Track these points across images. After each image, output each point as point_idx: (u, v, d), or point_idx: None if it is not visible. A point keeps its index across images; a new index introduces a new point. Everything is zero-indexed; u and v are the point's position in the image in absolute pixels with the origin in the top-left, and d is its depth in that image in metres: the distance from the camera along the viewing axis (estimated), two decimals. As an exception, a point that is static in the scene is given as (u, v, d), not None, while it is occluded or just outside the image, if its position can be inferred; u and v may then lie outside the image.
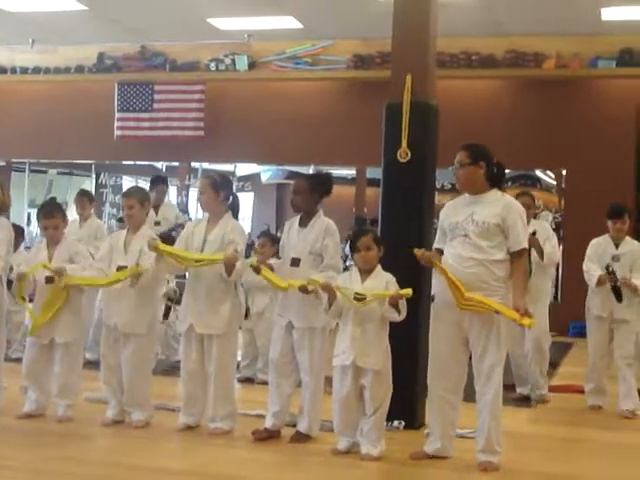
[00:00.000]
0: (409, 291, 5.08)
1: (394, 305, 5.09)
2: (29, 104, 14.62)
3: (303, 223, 5.67)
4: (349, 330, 5.19)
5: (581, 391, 7.38)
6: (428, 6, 6.14)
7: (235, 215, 5.94)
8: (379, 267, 5.30)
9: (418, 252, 5.07)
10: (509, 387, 6.93)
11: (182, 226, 8.30)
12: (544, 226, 7.66)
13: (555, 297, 11.59)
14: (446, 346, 5.10)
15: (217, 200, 5.82)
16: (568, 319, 11.41)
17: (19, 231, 7.57)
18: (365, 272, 5.27)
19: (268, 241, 7.54)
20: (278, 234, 8.53)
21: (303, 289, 5.38)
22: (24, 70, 14.63)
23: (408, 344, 5.68)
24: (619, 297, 6.86)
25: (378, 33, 9.41)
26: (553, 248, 7.36)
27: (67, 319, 5.93)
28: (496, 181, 5.20)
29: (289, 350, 5.61)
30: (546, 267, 7.36)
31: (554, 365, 8.80)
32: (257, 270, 5.60)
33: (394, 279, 5.23)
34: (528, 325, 5.06)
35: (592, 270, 6.99)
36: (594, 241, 7.17)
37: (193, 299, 5.74)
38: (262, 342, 7.50)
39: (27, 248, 8.19)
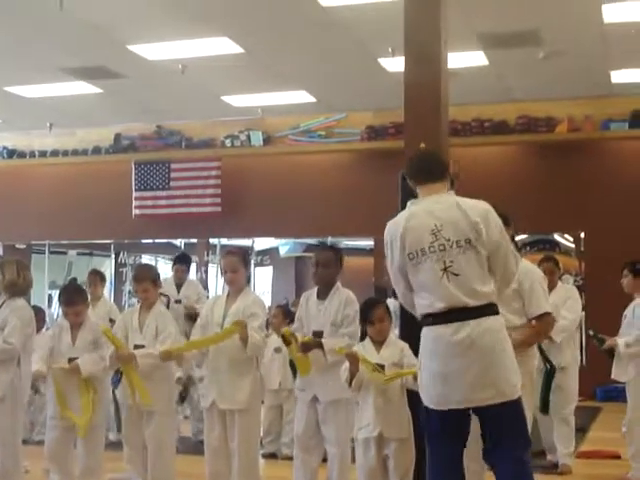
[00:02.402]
0: None
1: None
2: (48, 187, 14.80)
3: (321, 296, 5.66)
4: (371, 401, 5.14)
5: (612, 456, 7.25)
6: (439, 75, 6.20)
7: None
8: (391, 335, 5.31)
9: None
10: (539, 454, 6.81)
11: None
12: (572, 290, 7.59)
13: (580, 361, 11.46)
14: None
15: (245, 276, 5.86)
16: (594, 383, 11.25)
17: (40, 314, 7.57)
18: (378, 342, 5.25)
19: (280, 313, 7.66)
20: (292, 308, 8.50)
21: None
22: (42, 154, 14.86)
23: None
24: (611, 357, 6.78)
25: (390, 104, 9.52)
26: (575, 314, 7.27)
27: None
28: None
29: (314, 424, 5.56)
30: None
31: (584, 430, 8.67)
32: (287, 341, 5.58)
33: (407, 346, 5.21)
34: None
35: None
36: None
37: (215, 374, 5.70)
38: (291, 417, 7.43)
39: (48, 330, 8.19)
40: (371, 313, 5.27)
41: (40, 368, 5.86)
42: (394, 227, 4.29)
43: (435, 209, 4.20)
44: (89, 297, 8.91)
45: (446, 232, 4.12)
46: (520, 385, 4.13)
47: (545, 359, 6.18)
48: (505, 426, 4.07)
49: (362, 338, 5.39)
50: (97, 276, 9.38)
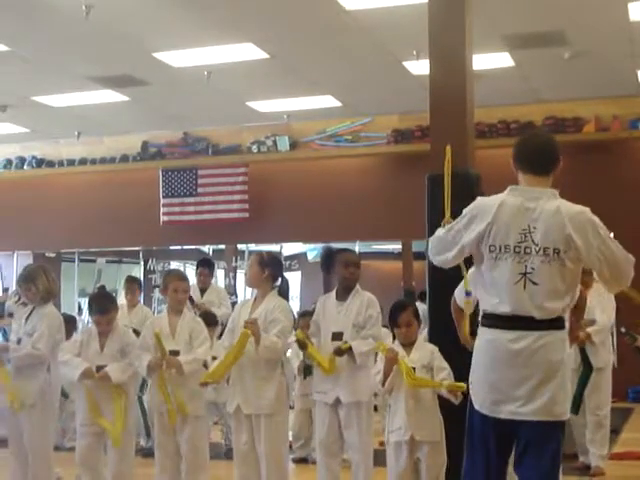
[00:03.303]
0: (463, 386, 4.78)
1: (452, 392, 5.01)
2: (76, 195, 14.91)
3: (341, 297, 5.68)
4: (403, 404, 5.12)
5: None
6: (464, 78, 6.19)
7: (285, 296, 5.88)
8: (421, 338, 5.31)
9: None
10: (571, 456, 6.76)
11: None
12: (606, 295, 7.55)
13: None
14: None
15: (262, 277, 5.79)
16: (627, 384, 11.16)
17: (70, 321, 7.63)
18: (408, 345, 5.24)
19: (307, 324, 7.58)
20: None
21: (337, 351, 5.41)
22: (71, 162, 14.97)
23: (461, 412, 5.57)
24: None
25: (416, 107, 9.51)
26: (607, 315, 7.22)
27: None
28: None
29: (336, 428, 5.56)
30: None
31: (616, 432, 8.60)
32: (302, 345, 5.59)
33: (437, 348, 5.21)
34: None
35: None
36: None
37: (239, 379, 5.71)
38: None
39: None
40: (399, 316, 5.27)
41: (87, 367, 5.80)
42: (483, 207, 3.99)
43: (532, 207, 3.87)
44: (126, 304, 9.05)
45: (536, 236, 3.83)
46: (566, 409, 3.94)
47: (584, 359, 6.11)
48: (540, 444, 3.89)
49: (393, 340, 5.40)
50: (135, 283, 9.46)
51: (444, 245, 4.09)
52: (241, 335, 5.50)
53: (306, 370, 7.21)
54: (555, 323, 3.86)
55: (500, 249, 3.86)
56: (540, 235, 3.83)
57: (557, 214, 3.86)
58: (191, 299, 8.47)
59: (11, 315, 8.60)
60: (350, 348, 5.47)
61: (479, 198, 4.11)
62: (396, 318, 5.27)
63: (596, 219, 3.95)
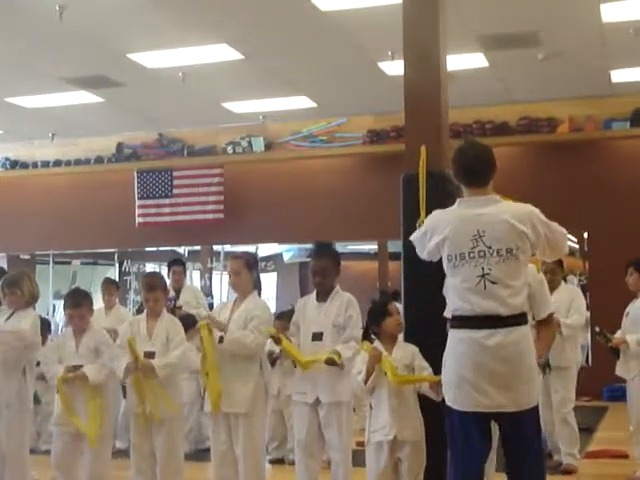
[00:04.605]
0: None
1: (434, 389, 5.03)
2: (51, 197, 14.83)
3: (321, 298, 5.69)
4: (385, 403, 5.10)
5: (619, 455, 7.23)
6: (438, 78, 6.20)
7: (259, 293, 5.92)
8: (400, 338, 5.31)
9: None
10: (546, 455, 6.79)
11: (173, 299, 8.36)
12: (575, 291, 7.61)
13: (586, 361, 11.45)
14: None
15: (250, 280, 5.83)
16: (601, 383, 11.23)
17: (45, 323, 7.59)
18: (389, 345, 5.24)
19: (282, 326, 7.51)
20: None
21: (330, 361, 5.36)
22: (45, 164, 14.89)
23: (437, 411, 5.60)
24: (616, 355, 6.81)
25: (391, 107, 9.54)
26: (580, 315, 7.29)
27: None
28: None
29: (316, 428, 5.56)
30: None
31: (591, 430, 8.65)
32: (277, 340, 5.59)
33: (417, 349, 5.22)
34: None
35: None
36: None
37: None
38: (292, 422, 7.42)
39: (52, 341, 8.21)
40: (386, 308, 5.31)
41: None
42: (436, 222, 4.37)
43: (480, 214, 4.22)
44: (104, 305, 9.01)
45: (488, 239, 4.15)
46: (537, 395, 4.28)
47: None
48: (523, 434, 4.19)
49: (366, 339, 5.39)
50: (112, 285, 9.44)
51: (419, 246, 4.51)
52: (200, 328, 5.57)
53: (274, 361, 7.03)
54: (520, 319, 4.18)
55: (456, 257, 4.21)
56: (492, 238, 4.15)
57: (504, 216, 4.20)
58: (175, 302, 8.44)
59: None
60: (339, 359, 5.42)
61: (435, 212, 4.49)
62: (385, 309, 5.28)
63: (535, 209, 4.32)
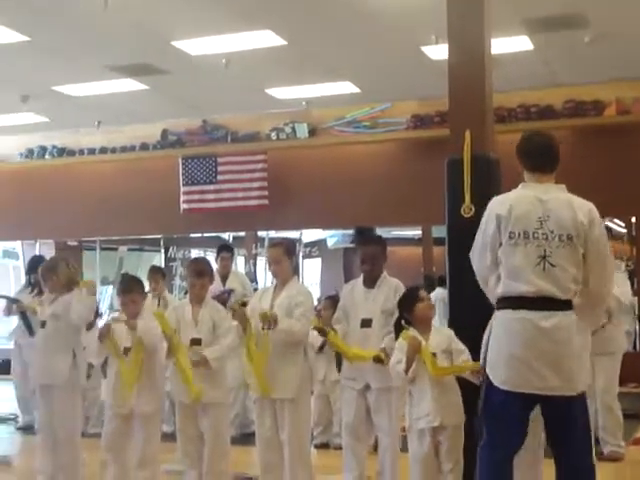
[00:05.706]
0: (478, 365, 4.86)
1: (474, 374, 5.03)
2: (97, 184, 14.97)
3: (369, 284, 5.69)
4: (428, 390, 5.11)
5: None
6: (482, 62, 6.17)
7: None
8: (434, 323, 5.31)
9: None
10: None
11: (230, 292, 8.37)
12: (621, 278, 7.54)
13: (634, 347, 11.34)
14: None
15: (290, 266, 5.86)
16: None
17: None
18: (424, 331, 5.24)
19: (330, 305, 7.51)
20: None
21: (378, 359, 5.38)
22: (91, 151, 15.02)
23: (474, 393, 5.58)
24: None
25: (435, 92, 9.47)
26: (623, 299, 7.21)
27: (147, 390, 5.93)
28: None
29: (363, 412, 5.58)
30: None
31: (637, 417, 8.57)
32: (322, 332, 5.60)
33: (452, 332, 5.26)
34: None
35: None
36: None
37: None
38: (338, 407, 7.45)
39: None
40: (417, 293, 5.33)
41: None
42: (498, 204, 4.41)
43: (545, 199, 4.34)
44: (151, 294, 9.08)
45: (551, 224, 4.27)
46: (586, 380, 4.34)
47: None
48: (572, 418, 4.23)
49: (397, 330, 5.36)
50: (158, 273, 9.49)
51: (479, 259, 4.51)
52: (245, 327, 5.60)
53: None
54: (571, 305, 4.24)
55: (519, 235, 4.26)
56: (554, 223, 4.27)
57: (569, 204, 4.36)
58: (229, 294, 8.45)
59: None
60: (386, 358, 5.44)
61: (494, 198, 4.54)
62: (417, 295, 5.31)
63: (595, 208, 4.45)
